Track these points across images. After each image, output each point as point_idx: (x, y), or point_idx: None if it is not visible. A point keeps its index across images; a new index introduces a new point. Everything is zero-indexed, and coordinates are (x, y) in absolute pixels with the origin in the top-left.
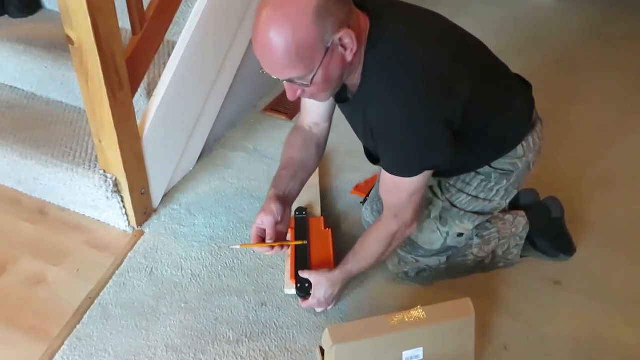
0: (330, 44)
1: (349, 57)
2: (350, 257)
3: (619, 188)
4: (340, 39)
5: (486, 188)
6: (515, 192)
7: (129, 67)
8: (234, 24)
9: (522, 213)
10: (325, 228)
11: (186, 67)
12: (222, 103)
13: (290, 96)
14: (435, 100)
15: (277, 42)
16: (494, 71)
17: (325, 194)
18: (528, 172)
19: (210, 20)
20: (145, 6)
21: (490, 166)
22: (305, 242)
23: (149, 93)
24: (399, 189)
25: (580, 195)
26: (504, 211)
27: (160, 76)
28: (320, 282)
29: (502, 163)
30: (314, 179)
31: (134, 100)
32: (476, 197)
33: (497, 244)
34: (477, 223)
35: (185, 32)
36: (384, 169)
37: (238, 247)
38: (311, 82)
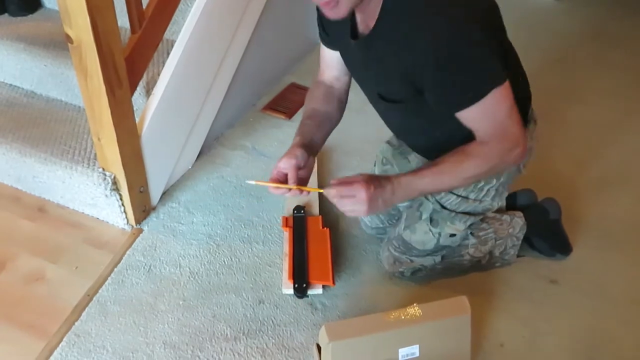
0: None
1: None
2: (427, 170)
3: (617, 189)
4: None
5: (476, 188)
6: (506, 193)
7: (127, 65)
8: (233, 23)
9: (520, 214)
10: (323, 227)
11: (185, 66)
12: (221, 102)
13: None
14: (479, 14)
15: None
16: (512, 48)
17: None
18: (518, 173)
19: (209, 19)
20: (144, 5)
21: None
22: (323, 191)
23: (148, 92)
24: (494, 113)
25: (577, 196)
26: (501, 211)
27: (159, 75)
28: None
29: None
30: (312, 177)
31: (133, 99)
32: (466, 197)
33: (493, 245)
34: (469, 223)
35: (184, 30)
36: (461, 104)
37: (253, 183)
38: None
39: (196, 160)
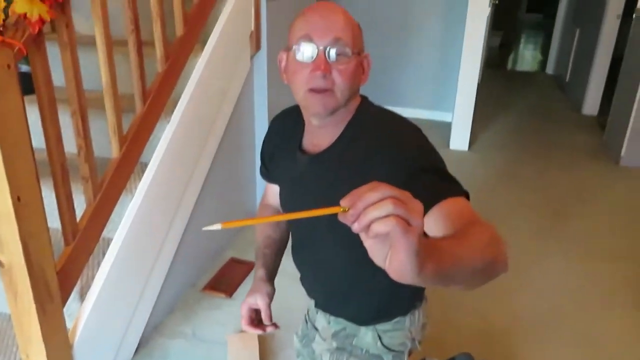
0: (362, 52)
1: (363, 79)
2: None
3: (547, 334)
4: (365, 56)
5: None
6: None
7: (60, 278)
8: (170, 210)
9: None
10: None
11: (121, 265)
12: (160, 288)
13: (324, 68)
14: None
15: (340, 10)
16: None
17: None
18: (415, 347)
19: (147, 214)
20: (78, 217)
21: (382, 344)
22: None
23: (82, 295)
24: (466, 210)
25: (510, 346)
26: None
27: (93, 278)
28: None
29: (393, 338)
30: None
31: (67, 304)
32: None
33: None
34: None
35: (120, 229)
36: (435, 199)
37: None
38: (351, 55)
39: (134, 354)
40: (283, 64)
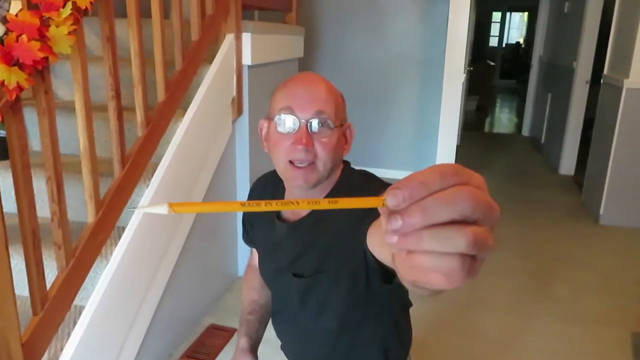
0: (345, 123)
1: (346, 149)
2: None
3: None
4: (348, 125)
5: None
6: None
7: (25, 351)
8: (146, 278)
9: None
10: None
11: (93, 335)
12: (134, 359)
13: (305, 142)
14: None
15: (323, 82)
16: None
17: None
18: None
19: (121, 282)
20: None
21: None
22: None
23: None
24: None
25: None
26: None
27: (62, 350)
28: None
29: None
30: None
31: None
32: None
33: None
34: None
35: (93, 297)
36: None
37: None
38: (334, 127)
39: None
40: (264, 132)
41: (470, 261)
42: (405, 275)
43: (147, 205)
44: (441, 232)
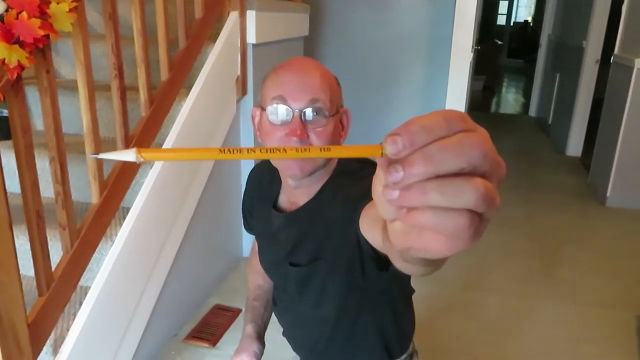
0: (341, 109)
1: (343, 136)
2: None
3: None
4: (345, 111)
5: None
6: None
7: (31, 331)
8: (152, 258)
9: None
10: None
11: (99, 315)
12: (139, 340)
13: (299, 133)
14: None
15: (316, 68)
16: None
17: None
18: None
19: (126, 262)
20: (54, 266)
21: None
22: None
23: (55, 349)
24: None
25: None
26: None
27: (68, 330)
28: None
29: None
30: None
31: (38, 358)
32: None
33: None
34: None
35: (98, 277)
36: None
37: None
38: (329, 116)
39: None
40: (257, 120)
41: (478, 220)
42: (400, 242)
43: (113, 152)
44: (448, 184)
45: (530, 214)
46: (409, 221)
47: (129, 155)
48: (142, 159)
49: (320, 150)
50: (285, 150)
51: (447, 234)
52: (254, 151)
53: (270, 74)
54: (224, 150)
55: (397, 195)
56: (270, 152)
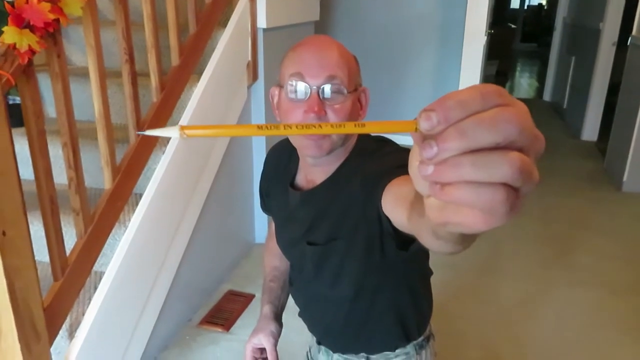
0: (359, 87)
1: (361, 115)
2: None
3: None
4: (363, 90)
5: None
6: None
7: (47, 316)
8: (165, 243)
9: None
10: None
11: (113, 300)
12: (154, 325)
13: (317, 110)
14: None
15: (334, 45)
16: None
17: None
18: None
19: (140, 248)
20: (68, 251)
21: None
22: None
23: (71, 333)
24: None
25: None
26: None
27: (83, 314)
28: None
29: None
30: None
31: (55, 342)
32: None
33: None
34: None
35: (113, 262)
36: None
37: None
38: (347, 93)
39: None
40: (275, 99)
41: (514, 194)
42: (436, 217)
43: (158, 129)
44: (483, 158)
45: (544, 199)
46: (444, 197)
47: (173, 131)
48: (185, 136)
49: (355, 126)
50: (320, 126)
51: (483, 208)
52: (290, 127)
53: (288, 52)
54: (262, 127)
55: (432, 170)
56: (306, 127)
